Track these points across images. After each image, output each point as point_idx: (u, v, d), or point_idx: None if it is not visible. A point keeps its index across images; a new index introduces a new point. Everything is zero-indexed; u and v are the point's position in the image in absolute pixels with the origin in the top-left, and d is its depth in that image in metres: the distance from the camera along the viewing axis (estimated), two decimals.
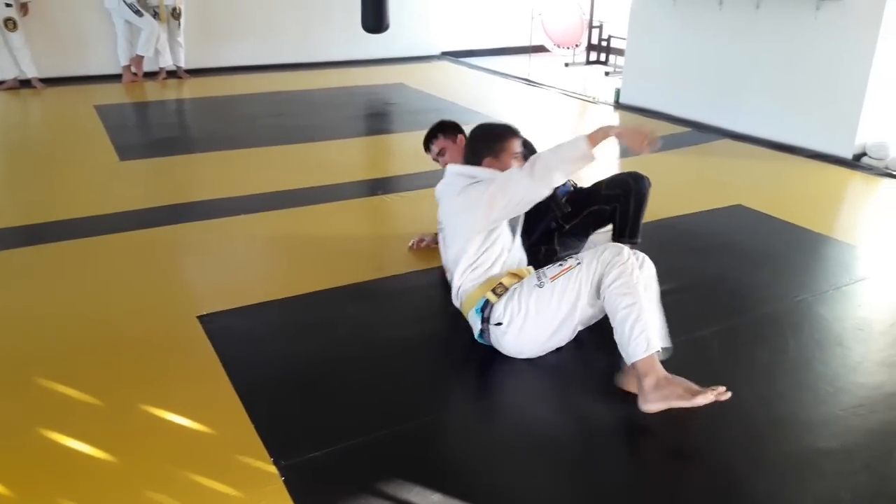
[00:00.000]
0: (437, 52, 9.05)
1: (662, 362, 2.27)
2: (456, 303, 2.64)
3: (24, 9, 6.78)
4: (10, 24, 6.69)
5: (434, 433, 2.20)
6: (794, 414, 2.30)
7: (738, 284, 3.17)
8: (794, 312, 2.92)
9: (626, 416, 2.25)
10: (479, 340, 2.54)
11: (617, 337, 2.28)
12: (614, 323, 2.29)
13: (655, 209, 3.85)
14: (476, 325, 2.53)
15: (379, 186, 4.40)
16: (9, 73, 6.85)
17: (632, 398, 2.25)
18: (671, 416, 2.18)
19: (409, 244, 3.44)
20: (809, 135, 5.17)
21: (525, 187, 2.42)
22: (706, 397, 2.11)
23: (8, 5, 6.65)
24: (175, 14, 7.31)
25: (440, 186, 2.77)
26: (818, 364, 2.58)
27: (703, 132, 5.69)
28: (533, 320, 2.40)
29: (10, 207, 3.99)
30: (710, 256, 3.45)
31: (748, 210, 4.04)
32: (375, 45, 7.98)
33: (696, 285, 3.14)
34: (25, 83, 6.89)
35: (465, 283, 2.56)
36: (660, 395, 2.17)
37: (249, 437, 2.12)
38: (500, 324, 2.44)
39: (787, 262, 3.42)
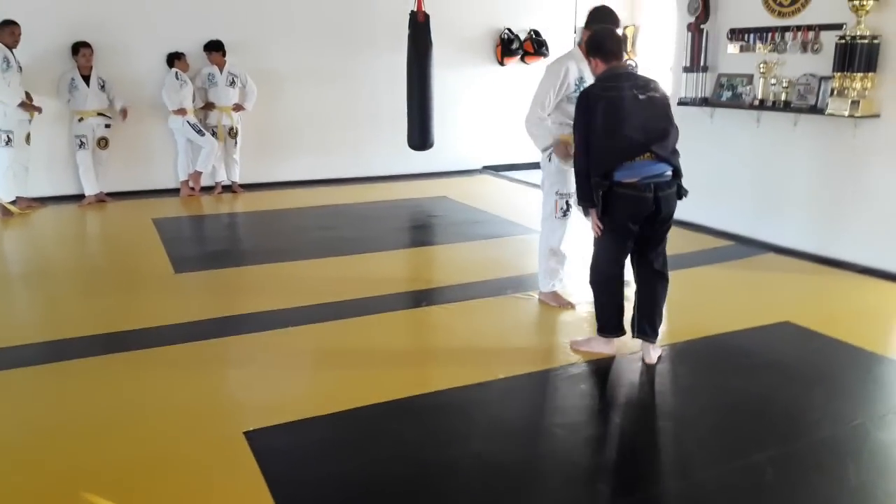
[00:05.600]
0: (478, 165, 9.35)
1: None
2: None
3: (123, 113, 7.28)
4: (103, 142, 7.24)
5: None
6: None
7: (790, 406, 3.09)
8: (852, 437, 2.82)
9: None
10: None
11: None
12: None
13: (701, 325, 3.84)
14: None
15: (423, 298, 4.47)
16: (90, 190, 7.20)
17: None
18: None
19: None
20: (856, 249, 5.11)
21: None
22: None
23: (107, 126, 7.19)
24: (232, 133, 7.76)
25: None
26: (881, 494, 2.46)
27: (746, 246, 5.67)
28: None
29: (67, 319, 4.14)
30: (760, 376, 3.37)
31: (797, 327, 3.97)
32: (420, 161, 8.29)
33: (746, 407, 3.07)
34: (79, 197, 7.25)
35: None
36: None
37: None
38: None
39: (841, 383, 3.32)
